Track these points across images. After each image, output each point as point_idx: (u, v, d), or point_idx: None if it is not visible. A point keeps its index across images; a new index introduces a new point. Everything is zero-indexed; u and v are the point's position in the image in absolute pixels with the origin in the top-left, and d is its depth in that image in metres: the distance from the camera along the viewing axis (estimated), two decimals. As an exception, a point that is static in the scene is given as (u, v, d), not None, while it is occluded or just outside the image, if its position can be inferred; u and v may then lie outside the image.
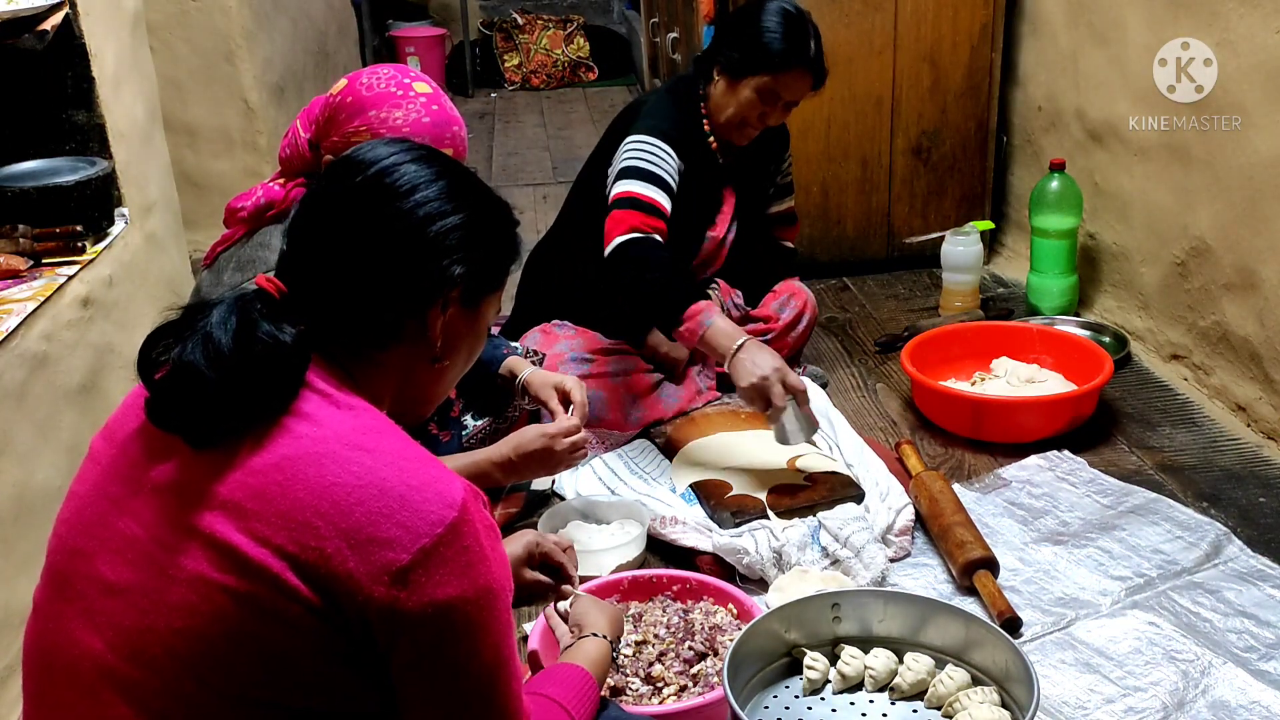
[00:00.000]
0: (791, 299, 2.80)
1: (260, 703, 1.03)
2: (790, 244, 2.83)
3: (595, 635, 1.50)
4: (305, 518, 1.01)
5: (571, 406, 2.07)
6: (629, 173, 2.40)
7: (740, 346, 2.23)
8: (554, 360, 2.49)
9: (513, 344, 2.38)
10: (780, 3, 2.45)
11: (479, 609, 1.05)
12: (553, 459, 1.99)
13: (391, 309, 1.15)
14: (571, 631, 1.56)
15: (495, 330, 2.51)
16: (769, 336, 2.75)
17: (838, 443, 2.49)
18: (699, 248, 2.64)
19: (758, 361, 2.21)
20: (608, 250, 2.34)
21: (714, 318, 2.26)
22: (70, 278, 2.21)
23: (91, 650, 1.06)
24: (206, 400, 1.05)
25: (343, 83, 1.85)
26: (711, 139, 2.56)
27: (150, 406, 1.09)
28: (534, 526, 2.18)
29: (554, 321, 2.63)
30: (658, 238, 2.35)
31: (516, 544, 1.58)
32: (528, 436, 1.97)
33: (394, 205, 1.15)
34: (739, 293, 2.75)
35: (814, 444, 2.36)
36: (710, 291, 2.68)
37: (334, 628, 1.01)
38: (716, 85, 2.49)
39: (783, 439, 2.26)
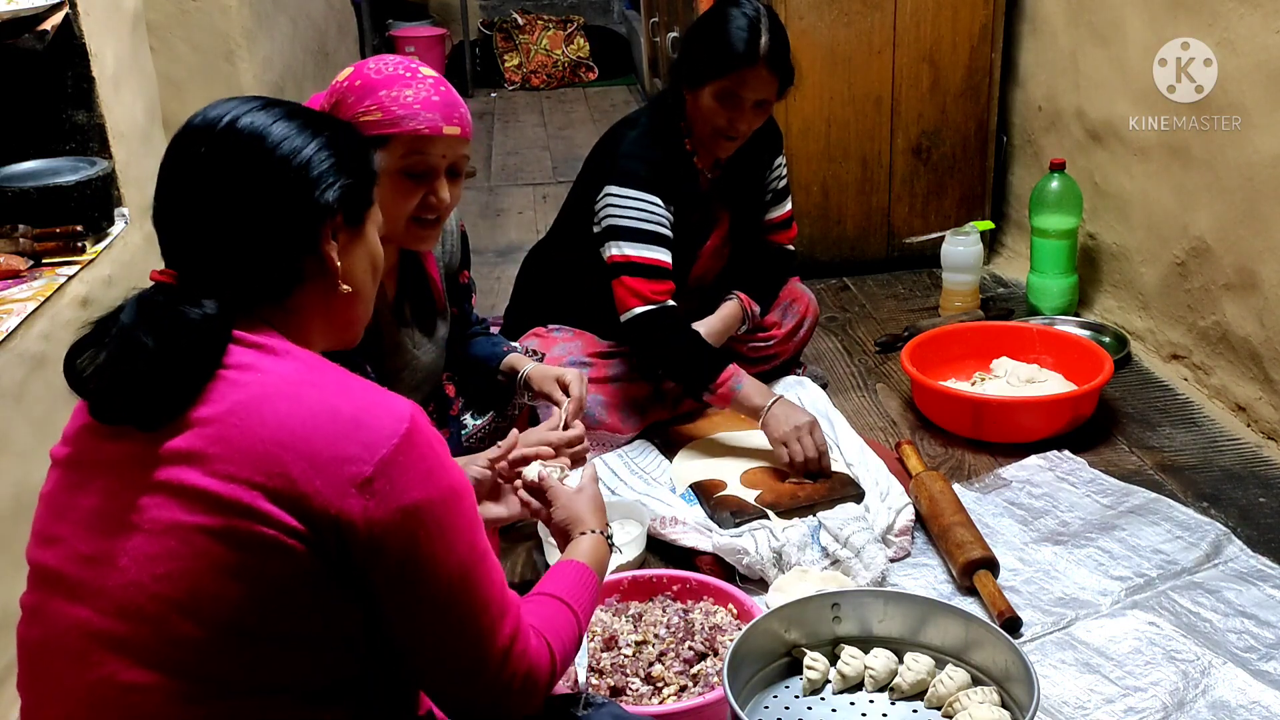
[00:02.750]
0: (793, 304, 2.79)
1: (247, 632, 1.06)
2: (790, 246, 2.82)
3: (589, 532, 1.54)
4: (267, 450, 1.06)
5: (570, 398, 2.07)
6: (622, 234, 2.40)
7: (774, 403, 2.37)
8: (552, 364, 2.48)
9: (512, 343, 2.38)
10: (732, 6, 2.39)
11: (446, 508, 1.11)
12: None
13: (285, 255, 1.18)
14: (555, 537, 1.61)
15: (495, 330, 2.50)
16: (771, 342, 2.75)
17: (838, 443, 2.49)
18: (692, 264, 2.62)
19: (789, 416, 2.36)
20: (623, 319, 2.42)
21: (743, 381, 2.39)
22: (70, 278, 2.21)
23: (78, 620, 1.09)
24: (143, 390, 1.09)
25: (349, 70, 1.86)
26: (696, 158, 2.52)
27: (93, 408, 1.13)
28: (534, 526, 2.18)
29: (551, 325, 2.63)
30: (670, 303, 2.41)
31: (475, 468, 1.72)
32: (529, 441, 1.96)
33: (252, 156, 1.16)
34: (758, 306, 2.70)
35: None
36: (726, 299, 2.64)
37: (312, 548, 1.05)
38: (688, 99, 2.44)
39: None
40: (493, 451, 1.76)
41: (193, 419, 1.09)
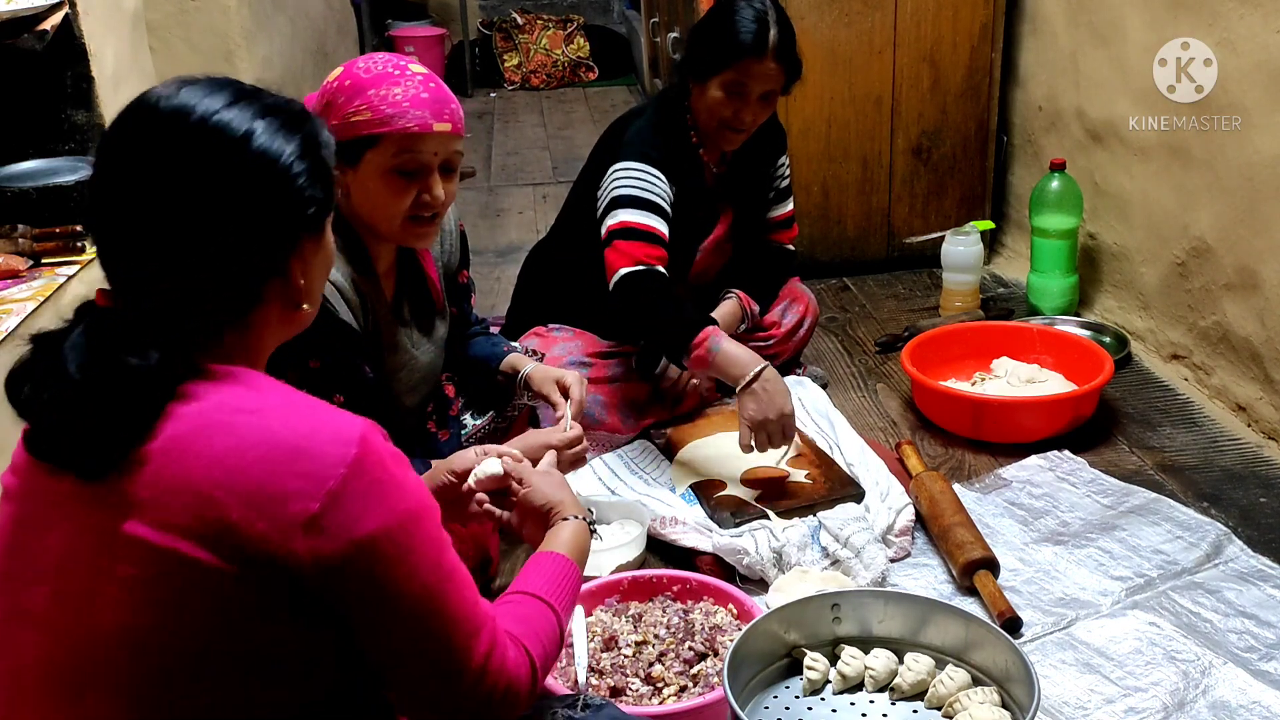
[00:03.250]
0: (793, 304, 2.80)
1: (206, 672, 1.02)
2: (790, 246, 2.82)
3: (569, 519, 1.50)
4: (203, 491, 0.99)
5: (569, 401, 2.07)
6: (623, 201, 2.38)
7: (756, 375, 2.22)
8: (552, 363, 2.48)
9: (512, 344, 2.38)
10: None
11: (404, 534, 1.05)
12: (557, 467, 1.98)
13: (251, 279, 1.09)
14: (519, 525, 1.58)
15: (495, 330, 2.50)
16: (771, 342, 2.75)
17: (838, 443, 2.49)
18: (693, 261, 2.62)
19: (771, 400, 2.21)
20: (611, 283, 2.36)
21: (721, 343, 2.26)
22: (70, 278, 2.22)
23: (35, 655, 1.05)
24: (81, 443, 1.02)
25: (338, 70, 1.85)
26: (702, 150, 2.53)
27: (30, 445, 1.07)
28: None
29: (551, 325, 2.63)
30: (660, 268, 2.35)
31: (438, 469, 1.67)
32: (530, 444, 1.96)
33: (225, 160, 1.05)
34: (757, 305, 2.70)
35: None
36: (725, 298, 2.64)
37: (263, 590, 1.01)
38: (694, 92, 2.46)
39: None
40: (455, 463, 1.71)
41: (133, 456, 1.02)
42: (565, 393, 2.09)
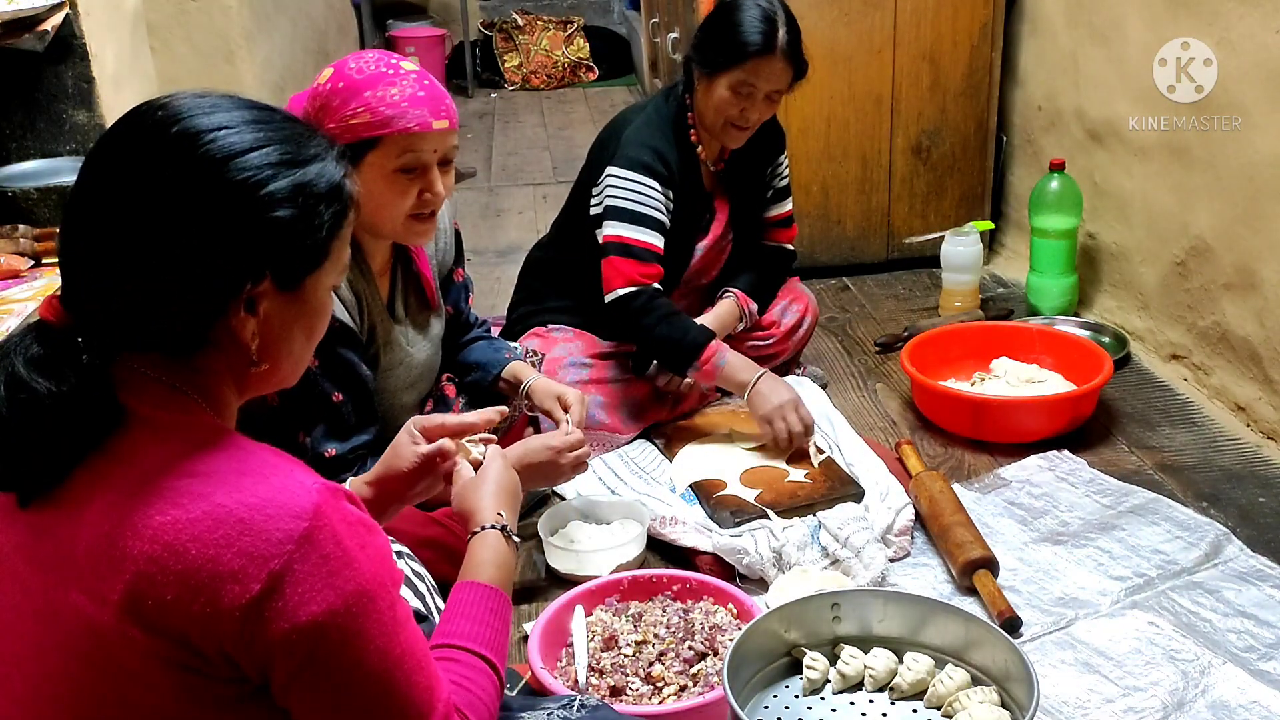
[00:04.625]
0: (793, 303, 2.80)
1: None
2: (789, 246, 2.82)
3: (480, 529, 1.39)
4: (140, 568, 0.93)
5: (569, 417, 2.08)
6: (618, 214, 2.42)
7: (759, 379, 2.37)
8: (552, 364, 2.49)
9: (512, 344, 2.39)
10: None
11: (352, 617, 0.97)
12: (555, 471, 1.98)
13: (195, 314, 0.99)
14: (459, 524, 1.49)
15: (496, 330, 2.51)
16: (771, 341, 2.75)
17: (838, 443, 2.49)
18: (690, 258, 2.63)
19: (773, 395, 2.37)
20: (607, 299, 2.43)
21: (727, 356, 2.41)
22: (70, 278, 2.21)
23: None
24: (8, 459, 0.97)
25: (329, 71, 1.84)
26: (700, 149, 2.54)
27: None
28: (534, 526, 2.18)
29: (551, 325, 2.63)
30: (656, 286, 2.42)
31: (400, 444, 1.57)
32: (533, 447, 1.96)
33: (192, 179, 0.97)
34: (754, 305, 2.70)
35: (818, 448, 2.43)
36: (723, 297, 2.64)
37: (198, 673, 0.95)
38: (698, 89, 2.47)
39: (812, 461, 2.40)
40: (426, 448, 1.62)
41: (71, 514, 0.97)
42: (566, 408, 2.11)
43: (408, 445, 1.58)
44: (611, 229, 2.42)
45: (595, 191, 2.48)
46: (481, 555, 1.36)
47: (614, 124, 2.60)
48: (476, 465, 1.55)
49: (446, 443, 1.58)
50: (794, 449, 2.39)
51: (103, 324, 0.99)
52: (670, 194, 2.45)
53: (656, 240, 2.42)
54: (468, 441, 1.61)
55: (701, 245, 2.63)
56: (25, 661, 0.99)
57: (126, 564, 0.93)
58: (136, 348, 1.01)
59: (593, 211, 2.48)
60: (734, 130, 2.47)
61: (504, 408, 1.75)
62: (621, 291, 2.41)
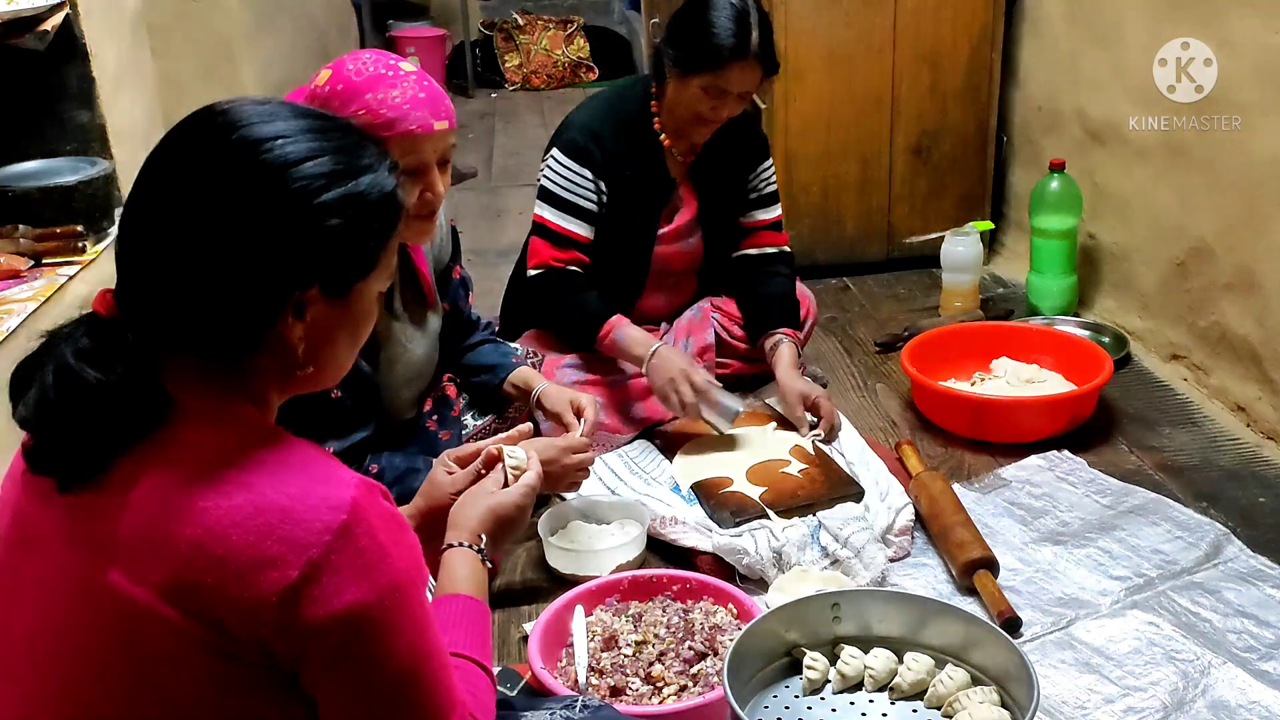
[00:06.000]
0: (793, 304, 2.80)
1: None
2: (786, 247, 2.81)
3: (453, 545, 1.43)
4: (181, 551, 0.95)
5: (583, 420, 2.09)
6: (547, 197, 2.53)
7: (652, 354, 2.42)
8: (550, 365, 2.50)
9: (514, 346, 2.39)
10: None
11: (385, 609, 0.99)
12: (560, 474, 1.98)
13: (248, 317, 1.02)
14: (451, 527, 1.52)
15: (496, 329, 2.51)
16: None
17: (838, 442, 2.49)
18: (651, 245, 2.63)
19: (665, 367, 2.40)
20: (527, 275, 2.55)
21: (624, 329, 2.47)
22: (71, 278, 2.22)
23: (9, 709, 1.03)
24: (53, 446, 1.00)
25: (326, 73, 1.83)
26: (664, 136, 2.57)
27: (24, 449, 1.04)
28: (534, 527, 2.18)
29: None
30: (573, 268, 2.50)
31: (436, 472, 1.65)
32: (539, 447, 1.96)
33: (250, 187, 1.00)
34: (798, 330, 2.69)
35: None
36: (774, 344, 2.62)
37: (230, 658, 0.96)
38: (670, 82, 2.49)
39: (715, 430, 2.47)
40: (461, 451, 1.71)
41: (116, 499, 0.99)
42: (579, 415, 2.11)
43: (444, 475, 1.66)
44: (540, 210, 2.54)
45: (540, 168, 2.57)
46: (460, 571, 1.41)
47: (578, 105, 2.67)
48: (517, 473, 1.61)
49: (489, 449, 1.65)
50: (694, 409, 2.40)
51: (153, 321, 1.02)
52: (602, 183, 2.51)
53: (578, 228, 2.51)
54: (508, 449, 1.65)
55: (664, 233, 2.64)
56: (57, 639, 1.01)
57: (170, 547, 0.95)
58: (186, 346, 1.03)
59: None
60: (703, 127, 2.52)
61: (528, 425, 1.82)
62: (534, 272, 2.52)
